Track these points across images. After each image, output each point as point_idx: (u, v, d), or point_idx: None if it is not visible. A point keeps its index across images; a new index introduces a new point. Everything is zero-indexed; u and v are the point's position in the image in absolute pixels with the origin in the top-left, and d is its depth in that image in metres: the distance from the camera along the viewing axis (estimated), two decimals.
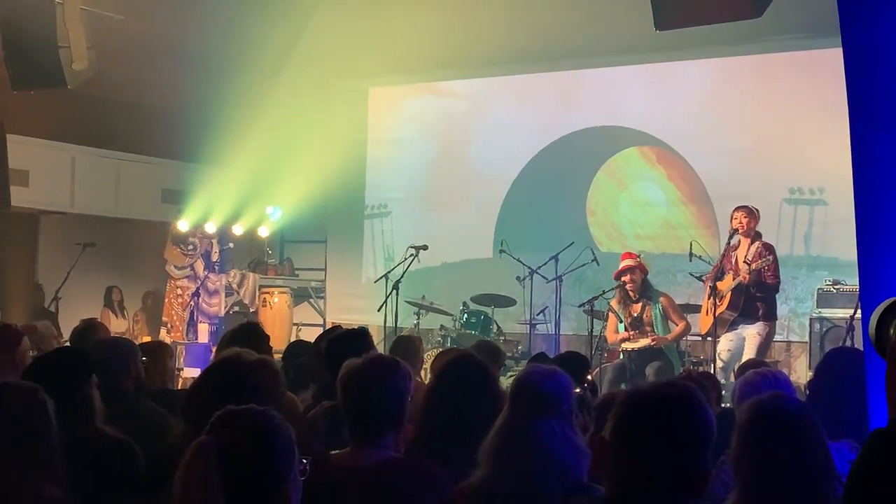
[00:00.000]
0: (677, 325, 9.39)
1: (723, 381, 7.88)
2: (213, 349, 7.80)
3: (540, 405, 3.13)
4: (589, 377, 5.42)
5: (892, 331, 2.54)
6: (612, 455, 2.31)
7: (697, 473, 2.27)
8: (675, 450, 2.25)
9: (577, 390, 3.73)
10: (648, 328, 9.35)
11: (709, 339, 9.17)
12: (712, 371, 8.37)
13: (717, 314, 8.82)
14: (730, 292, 8.93)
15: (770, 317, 9.10)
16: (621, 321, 9.44)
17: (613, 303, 9.60)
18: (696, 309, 9.89)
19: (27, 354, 5.44)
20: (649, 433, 2.27)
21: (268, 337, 5.59)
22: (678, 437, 2.26)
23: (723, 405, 5.62)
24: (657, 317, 9.34)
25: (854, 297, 9.21)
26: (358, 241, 14.51)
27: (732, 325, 9.03)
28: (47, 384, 3.86)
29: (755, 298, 8.96)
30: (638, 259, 9.60)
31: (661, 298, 9.48)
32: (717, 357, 8.93)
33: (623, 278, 9.45)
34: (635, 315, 9.39)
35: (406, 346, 6.23)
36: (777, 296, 9.34)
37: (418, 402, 3.95)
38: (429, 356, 11.09)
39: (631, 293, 9.44)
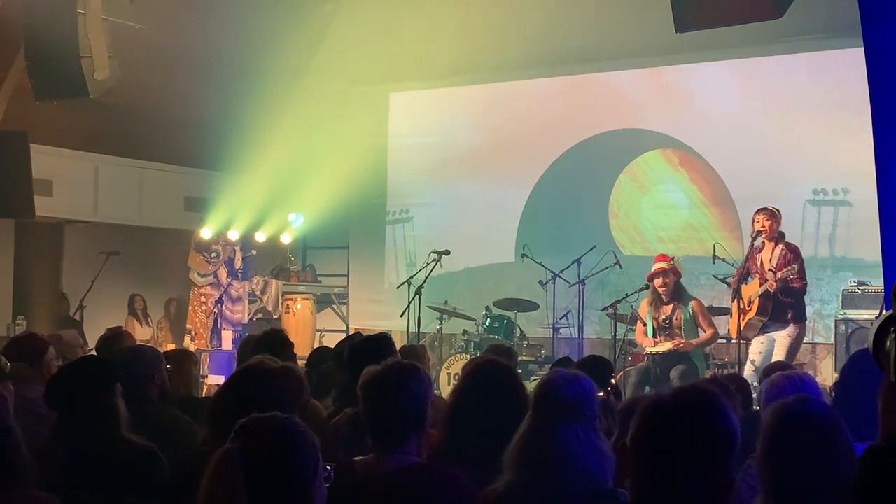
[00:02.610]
0: (705, 332, 9.29)
1: (755, 383, 7.83)
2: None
3: (563, 410, 3.12)
4: (613, 381, 5.40)
5: (888, 344, 2.53)
6: (632, 462, 2.29)
7: (720, 481, 2.25)
8: (697, 457, 2.24)
9: (601, 394, 3.72)
10: (677, 331, 9.27)
11: (733, 341, 9.12)
12: (742, 374, 8.30)
13: (746, 320, 8.79)
14: (758, 298, 8.88)
15: (800, 319, 9.04)
16: (646, 325, 9.39)
17: (644, 304, 9.53)
18: (719, 312, 9.84)
19: (52, 364, 5.47)
20: (670, 441, 2.25)
21: (292, 344, 5.61)
22: (699, 445, 2.24)
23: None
24: (686, 321, 9.26)
25: (879, 298, 9.16)
26: (380, 246, 14.52)
27: (763, 329, 8.98)
28: (72, 393, 3.90)
29: (784, 303, 8.90)
30: (671, 262, 9.51)
31: (693, 303, 9.37)
32: (748, 360, 8.89)
33: (655, 281, 9.38)
34: (665, 317, 9.31)
35: (410, 355, 6.21)
36: (805, 297, 9.29)
37: (440, 407, 3.95)
38: (451, 361, 11.12)
39: (663, 296, 9.36)
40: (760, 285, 8.88)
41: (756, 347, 8.98)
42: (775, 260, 8.91)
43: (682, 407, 2.30)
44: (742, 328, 8.83)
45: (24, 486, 2.88)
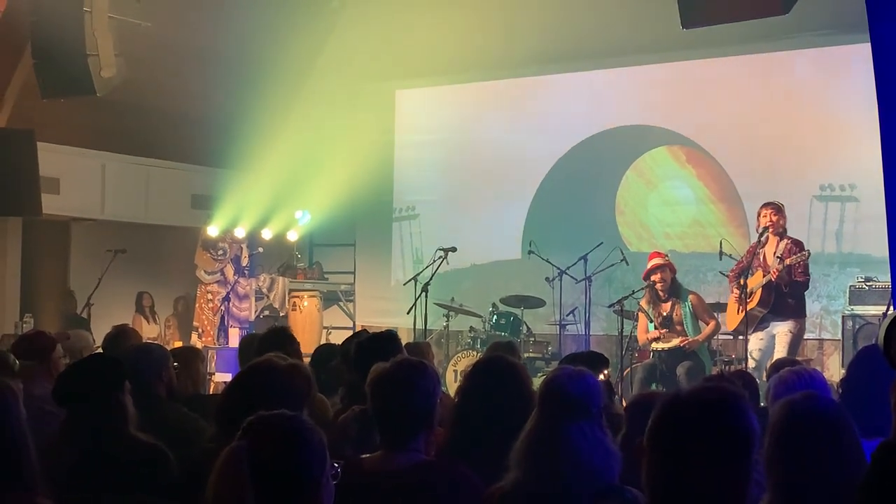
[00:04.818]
0: (707, 325, 9.34)
1: (758, 379, 7.82)
2: None
3: (568, 407, 3.12)
4: (602, 376, 5.35)
5: None
6: (647, 457, 2.28)
7: (735, 481, 2.23)
8: (711, 455, 2.21)
9: None
10: (679, 327, 9.30)
11: (740, 337, 9.12)
12: (744, 370, 8.30)
13: (747, 310, 8.77)
14: (760, 289, 8.87)
15: (800, 314, 9.04)
16: (651, 321, 9.40)
17: (643, 302, 9.56)
18: (724, 308, 9.83)
19: (60, 362, 5.48)
20: (684, 437, 2.23)
21: (296, 341, 5.59)
22: (714, 443, 2.22)
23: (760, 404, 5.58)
24: (687, 315, 9.29)
25: (887, 294, 9.15)
26: (386, 243, 14.53)
27: (762, 323, 8.96)
28: (81, 391, 3.91)
29: (785, 295, 8.89)
30: (666, 258, 9.56)
31: (691, 297, 9.44)
32: (748, 356, 8.88)
33: (653, 277, 9.40)
34: (665, 314, 9.35)
35: (415, 352, 6.19)
36: (808, 293, 9.27)
37: (448, 405, 3.95)
38: (458, 358, 11.12)
39: (661, 292, 9.39)
40: (763, 276, 8.87)
41: (755, 344, 8.97)
42: (780, 251, 8.90)
43: (697, 404, 2.27)
44: (742, 319, 8.82)
45: (28, 493, 2.85)
